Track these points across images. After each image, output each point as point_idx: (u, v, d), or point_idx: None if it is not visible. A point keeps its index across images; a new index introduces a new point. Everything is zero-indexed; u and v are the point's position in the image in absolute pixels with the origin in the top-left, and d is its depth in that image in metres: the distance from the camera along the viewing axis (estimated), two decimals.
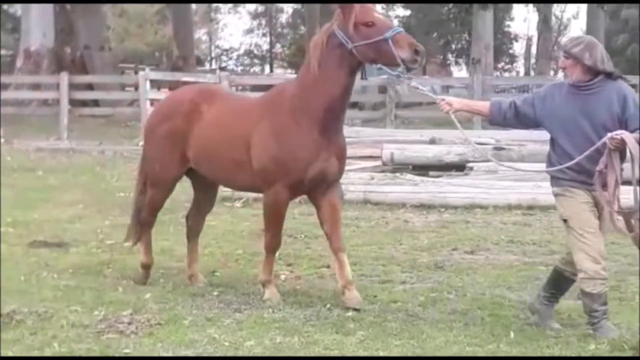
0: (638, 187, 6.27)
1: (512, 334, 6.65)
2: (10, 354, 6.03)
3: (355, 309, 7.12)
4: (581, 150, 6.40)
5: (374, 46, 6.84)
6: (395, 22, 64.42)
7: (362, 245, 10.14)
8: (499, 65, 60.32)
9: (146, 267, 8.23)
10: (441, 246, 10.21)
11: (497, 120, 6.97)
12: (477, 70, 33.58)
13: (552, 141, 6.73)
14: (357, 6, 6.90)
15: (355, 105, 28.67)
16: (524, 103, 6.79)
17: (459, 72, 62.70)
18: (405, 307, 7.48)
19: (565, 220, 6.63)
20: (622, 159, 6.48)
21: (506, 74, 60.85)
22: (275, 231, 7.55)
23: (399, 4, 57.12)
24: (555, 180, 6.73)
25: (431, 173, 15.13)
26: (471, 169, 14.61)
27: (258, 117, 7.42)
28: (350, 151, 15.38)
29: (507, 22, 61.06)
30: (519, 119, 6.85)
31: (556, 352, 6.20)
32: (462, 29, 53.97)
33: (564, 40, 6.44)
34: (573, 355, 6.15)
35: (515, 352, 6.22)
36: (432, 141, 17.06)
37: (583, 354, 6.15)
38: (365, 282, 8.35)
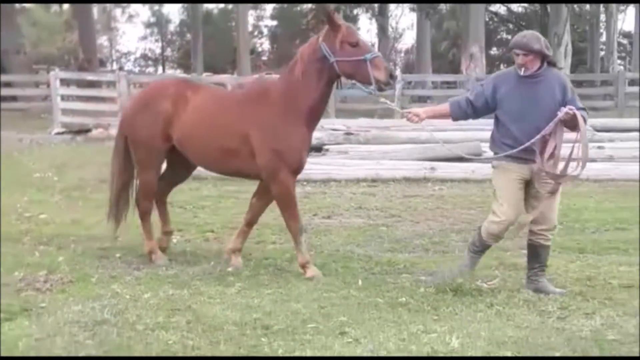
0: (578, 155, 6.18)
1: (360, 282, 6.76)
2: None
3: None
4: (527, 133, 6.20)
5: (353, 64, 6.64)
6: (265, 30, 64.78)
7: (241, 214, 10.03)
8: None
9: (153, 251, 7.52)
10: (304, 213, 10.21)
11: (460, 117, 6.70)
12: None
13: (497, 121, 6.50)
14: (344, 26, 6.70)
15: None
16: (477, 98, 6.51)
17: None
18: (275, 263, 7.52)
19: (494, 191, 6.48)
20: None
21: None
22: (294, 215, 7.12)
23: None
24: (494, 155, 6.54)
25: None
26: (327, 150, 14.74)
27: (251, 112, 7.01)
28: None
29: None
30: (477, 112, 6.59)
31: (394, 296, 6.32)
32: None
33: (514, 41, 6.49)
34: (406, 296, 6.27)
35: (362, 296, 6.32)
36: None
37: (415, 296, 6.28)
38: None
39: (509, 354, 4.97)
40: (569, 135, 6.23)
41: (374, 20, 45.30)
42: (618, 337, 5.29)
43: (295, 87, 6.86)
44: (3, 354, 5.04)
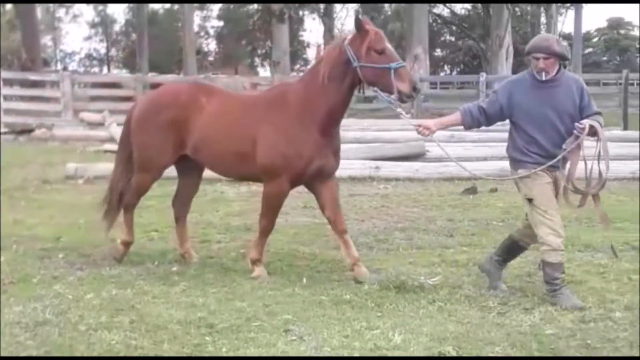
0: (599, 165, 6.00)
1: (304, 280, 6.74)
2: None
3: (358, 282, 6.69)
4: (552, 140, 6.00)
5: (377, 71, 6.39)
6: (211, 31, 64.46)
7: None
8: (296, 67, 60.85)
9: (127, 244, 7.44)
10: (250, 212, 10.21)
11: (473, 126, 6.45)
12: (277, 71, 33.84)
13: (517, 128, 6.20)
14: (372, 32, 6.44)
15: None
16: (490, 106, 6.25)
17: (264, 72, 63.02)
18: (220, 262, 7.49)
19: (530, 200, 6.07)
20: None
21: (302, 74, 61.48)
22: (272, 218, 6.96)
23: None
24: (519, 163, 6.18)
25: None
26: None
27: (263, 115, 6.83)
28: None
29: (301, 33, 61.72)
30: (490, 120, 6.32)
31: (338, 293, 6.32)
32: (265, 37, 54.13)
33: (534, 45, 6.14)
34: (350, 293, 6.29)
35: (306, 294, 6.32)
36: None
37: (359, 294, 6.30)
38: (189, 243, 8.28)
39: (450, 349, 5.00)
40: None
41: (318, 20, 45.34)
42: (555, 332, 5.37)
43: (316, 89, 6.63)
44: None
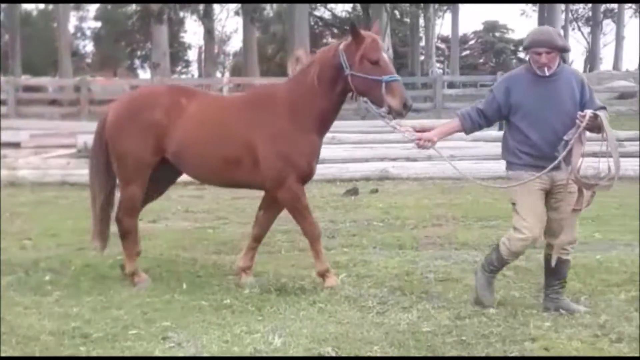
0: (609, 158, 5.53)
1: (184, 285, 6.67)
2: None
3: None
4: (547, 139, 5.63)
5: (368, 82, 6.10)
6: (88, 32, 62.92)
7: (61, 220, 9.79)
8: (177, 69, 60.23)
9: (135, 274, 6.81)
10: None
11: (473, 130, 6.05)
12: (157, 73, 33.37)
13: (511, 127, 5.87)
14: (368, 39, 6.14)
15: (54, 102, 27.61)
16: (488, 106, 5.89)
17: (144, 74, 62.04)
18: (96, 270, 7.31)
19: (513, 204, 5.84)
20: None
21: (183, 76, 60.81)
22: (309, 220, 6.64)
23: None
24: (509, 165, 5.90)
25: None
26: None
27: (255, 118, 6.49)
28: (49, 141, 14.80)
29: (182, 34, 60.96)
30: (489, 121, 5.98)
31: (218, 298, 6.27)
32: (145, 38, 53.29)
33: (535, 39, 5.62)
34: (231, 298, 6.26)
35: (186, 300, 6.24)
36: None
37: (240, 298, 6.26)
38: (64, 251, 8.08)
39: (329, 349, 5.03)
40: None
41: (201, 23, 44.94)
42: (432, 329, 5.48)
43: (307, 91, 6.39)
44: None
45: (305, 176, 6.60)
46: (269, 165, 6.42)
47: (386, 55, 6.20)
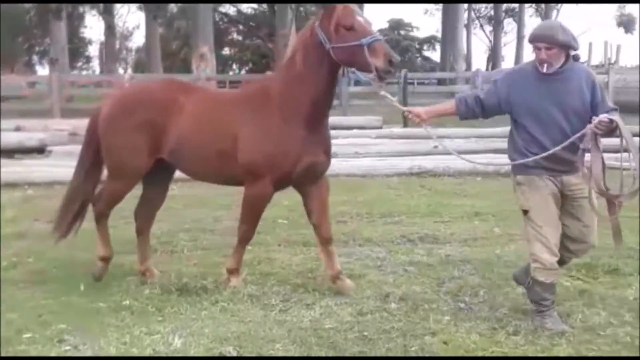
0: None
1: (82, 287, 6.53)
2: None
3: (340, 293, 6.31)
4: (551, 137, 5.30)
5: (349, 50, 5.71)
6: None
7: None
8: (78, 65, 58.94)
9: (105, 259, 6.83)
10: (24, 217, 9.79)
11: (466, 116, 5.77)
12: (56, 69, 32.60)
13: (517, 126, 5.54)
14: (339, 7, 5.77)
15: None
16: (488, 96, 5.62)
17: (43, 70, 60.51)
18: None
19: (525, 211, 5.46)
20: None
21: (84, 72, 59.61)
22: (252, 223, 6.47)
23: None
24: (518, 167, 5.54)
25: (17, 155, 14.56)
26: (51, 151, 14.20)
27: (245, 111, 6.24)
28: None
29: (82, 29, 59.68)
30: (486, 112, 5.70)
31: (117, 299, 6.17)
32: (43, 34, 51.87)
33: (535, 33, 5.32)
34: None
35: (84, 301, 6.12)
36: (17, 129, 16.45)
37: (140, 299, 6.17)
38: None
39: (230, 349, 5.02)
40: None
41: (101, 19, 44.12)
42: (335, 325, 5.51)
43: (295, 79, 6.06)
44: None
45: (288, 176, 6.20)
46: (245, 157, 6.15)
47: (362, 18, 5.80)
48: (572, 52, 5.34)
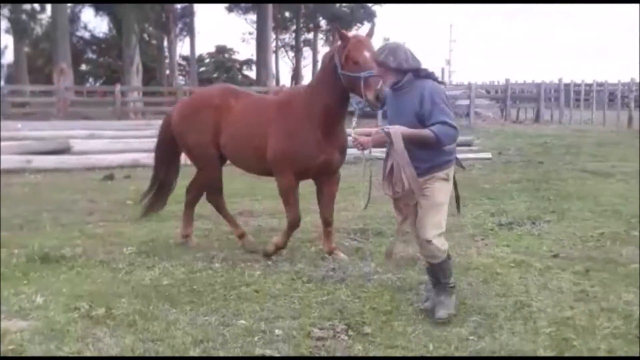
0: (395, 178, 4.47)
1: None
2: None
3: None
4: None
5: (351, 79, 5.36)
6: None
7: None
8: None
9: (186, 236, 6.80)
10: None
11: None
12: None
13: None
14: (352, 40, 5.41)
15: None
16: None
17: None
18: None
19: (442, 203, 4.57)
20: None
21: None
22: (293, 209, 6.07)
23: None
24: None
25: None
26: None
27: (275, 115, 6.01)
28: None
29: None
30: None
31: None
32: None
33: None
34: None
35: None
36: None
37: (9, 267, 5.77)
38: None
39: (84, 304, 4.77)
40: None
41: None
42: (171, 282, 5.38)
43: (315, 92, 5.83)
44: None
45: (307, 170, 5.95)
46: (271, 154, 5.99)
47: (368, 54, 5.33)
48: (416, 69, 4.55)
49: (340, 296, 5.06)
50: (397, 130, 4.40)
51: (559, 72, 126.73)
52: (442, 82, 4.88)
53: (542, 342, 4.16)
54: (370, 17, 47.37)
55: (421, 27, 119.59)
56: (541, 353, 4.02)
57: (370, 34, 5.65)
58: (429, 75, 4.58)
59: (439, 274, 4.70)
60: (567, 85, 30.73)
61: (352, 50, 5.42)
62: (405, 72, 4.52)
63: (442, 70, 52.11)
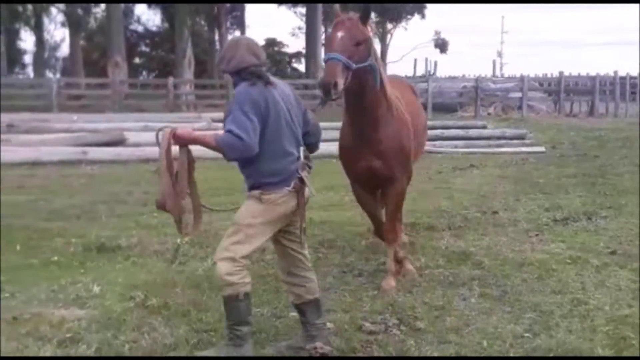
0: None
1: (18, 247, 6.17)
2: None
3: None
4: None
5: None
6: None
7: None
8: (15, 70, 55.51)
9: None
10: None
11: None
12: None
13: None
14: (336, 21, 4.56)
15: None
16: None
17: None
18: None
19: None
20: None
21: (20, 76, 56.25)
22: (368, 215, 5.56)
23: None
24: None
25: None
26: None
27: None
28: None
29: (18, 42, 56.26)
30: None
31: (47, 256, 5.88)
32: None
33: None
34: None
35: (20, 259, 5.80)
36: None
37: (66, 256, 5.92)
38: None
39: (139, 293, 4.86)
40: None
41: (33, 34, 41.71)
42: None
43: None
44: None
45: (356, 177, 5.21)
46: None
47: (340, 34, 4.46)
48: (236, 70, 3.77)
49: (392, 292, 5.03)
50: (184, 132, 3.70)
51: (614, 65, 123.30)
52: (269, 83, 3.72)
53: (599, 340, 4.06)
54: (421, 9, 46.87)
55: (472, 18, 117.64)
56: (599, 352, 3.91)
57: (363, 16, 4.59)
58: (253, 74, 3.70)
59: (228, 310, 3.78)
60: (622, 79, 29.85)
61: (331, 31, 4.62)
62: (232, 74, 3.78)
63: (494, 62, 51.23)
